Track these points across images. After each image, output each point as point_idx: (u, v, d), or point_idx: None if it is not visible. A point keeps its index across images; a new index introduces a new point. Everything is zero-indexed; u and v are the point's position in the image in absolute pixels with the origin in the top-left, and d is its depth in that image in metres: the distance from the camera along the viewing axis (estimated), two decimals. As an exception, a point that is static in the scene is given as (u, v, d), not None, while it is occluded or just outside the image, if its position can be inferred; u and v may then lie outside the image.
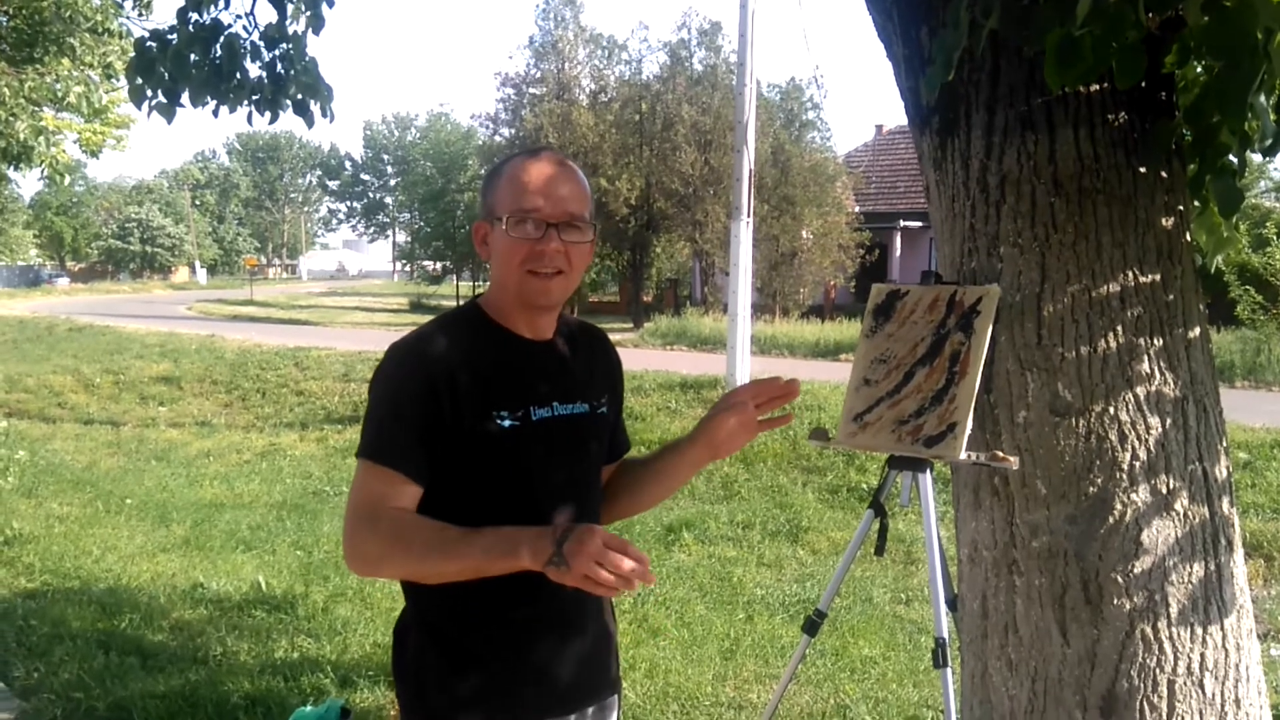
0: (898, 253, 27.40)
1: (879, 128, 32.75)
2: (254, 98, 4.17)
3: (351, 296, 46.99)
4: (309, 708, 3.14)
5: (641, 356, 15.86)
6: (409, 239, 53.59)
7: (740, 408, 1.82)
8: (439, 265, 43.19)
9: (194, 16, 3.91)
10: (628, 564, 1.36)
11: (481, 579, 1.62)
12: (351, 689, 4.09)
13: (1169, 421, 2.24)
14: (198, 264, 67.85)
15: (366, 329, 24.83)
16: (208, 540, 6.88)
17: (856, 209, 26.48)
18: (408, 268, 58.74)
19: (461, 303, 1.84)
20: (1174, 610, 2.22)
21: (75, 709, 3.87)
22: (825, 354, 17.27)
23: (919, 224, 25.43)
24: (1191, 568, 2.24)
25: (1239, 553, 2.35)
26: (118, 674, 4.21)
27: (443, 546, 1.54)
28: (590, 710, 1.82)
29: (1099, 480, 2.23)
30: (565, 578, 1.40)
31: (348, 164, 72.93)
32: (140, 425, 12.89)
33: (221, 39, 3.97)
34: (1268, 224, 13.88)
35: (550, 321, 1.77)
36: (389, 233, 74.19)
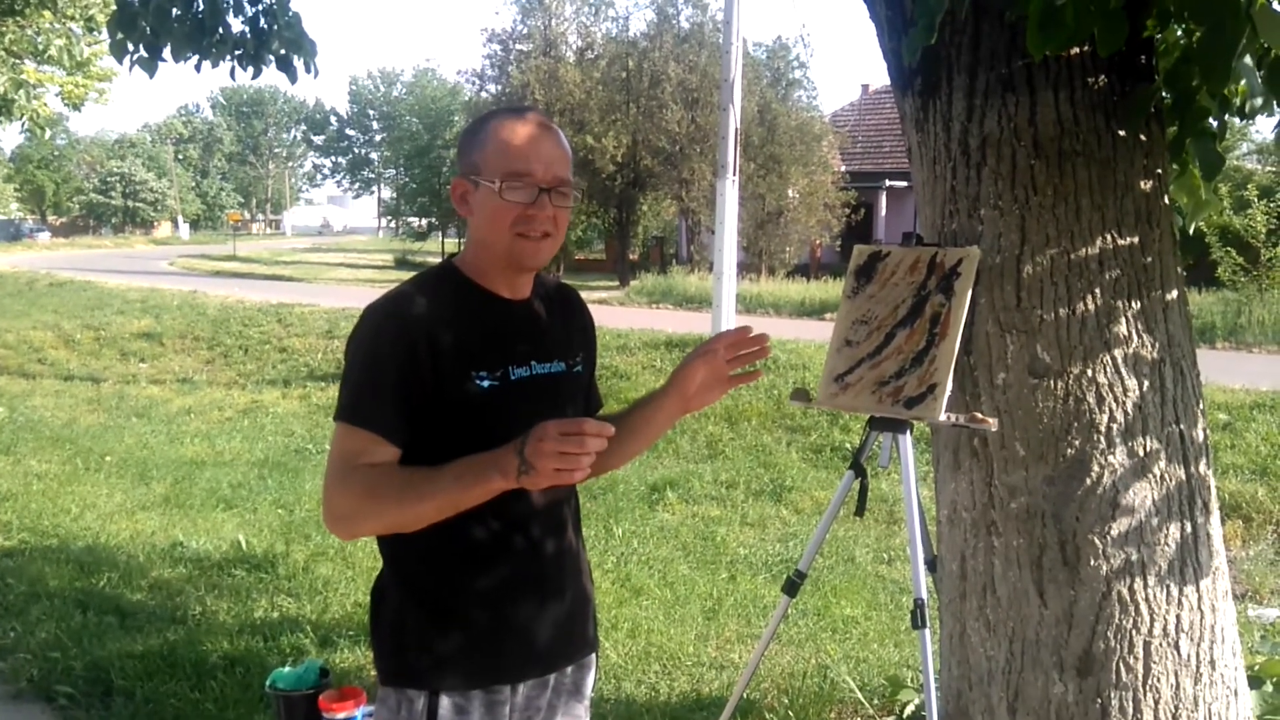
0: (883, 212, 27.36)
1: (865, 87, 32.57)
2: (236, 52, 4.13)
3: (336, 253, 46.67)
4: (287, 668, 3.14)
5: (627, 315, 15.83)
6: (394, 195, 53.18)
7: (710, 356, 1.80)
8: (424, 222, 42.89)
9: (176, -30, 3.85)
10: (589, 442, 1.40)
11: (459, 537, 1.65)
12: (331, 649, 4.10)
13: (1146, 384, 2.24)
14: (180, 219, 67.17)
15: (351, 285, 24.67)
16: (188, 498, 6.85)
17: (842, 168, 26.36)
18: (393, 224, 58.34)
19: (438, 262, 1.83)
20: (1150, 572, 2.23)
21: (52, 668, 3.86)
22: (810, 313, 17.26)
23: (904, 184, 25.34)
24: (1168, 529, 2.25)
25: (1215, 515, 2.36)
26: (95, 633, 4.20)
27: (415, 488, 1.55)
28: (569, 669, 1.83)
29: (1077, 442, 2.24)
30: (538, 481, 1.44)
31: (333, 119, 71.98)
32: (121, 382, 12.80)
33: (204, -7, 3.91)
34: (1249, 186, 13.90)
35: (528, 281, 1.77)
36: (374, 189, 73.47)
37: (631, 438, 1.89)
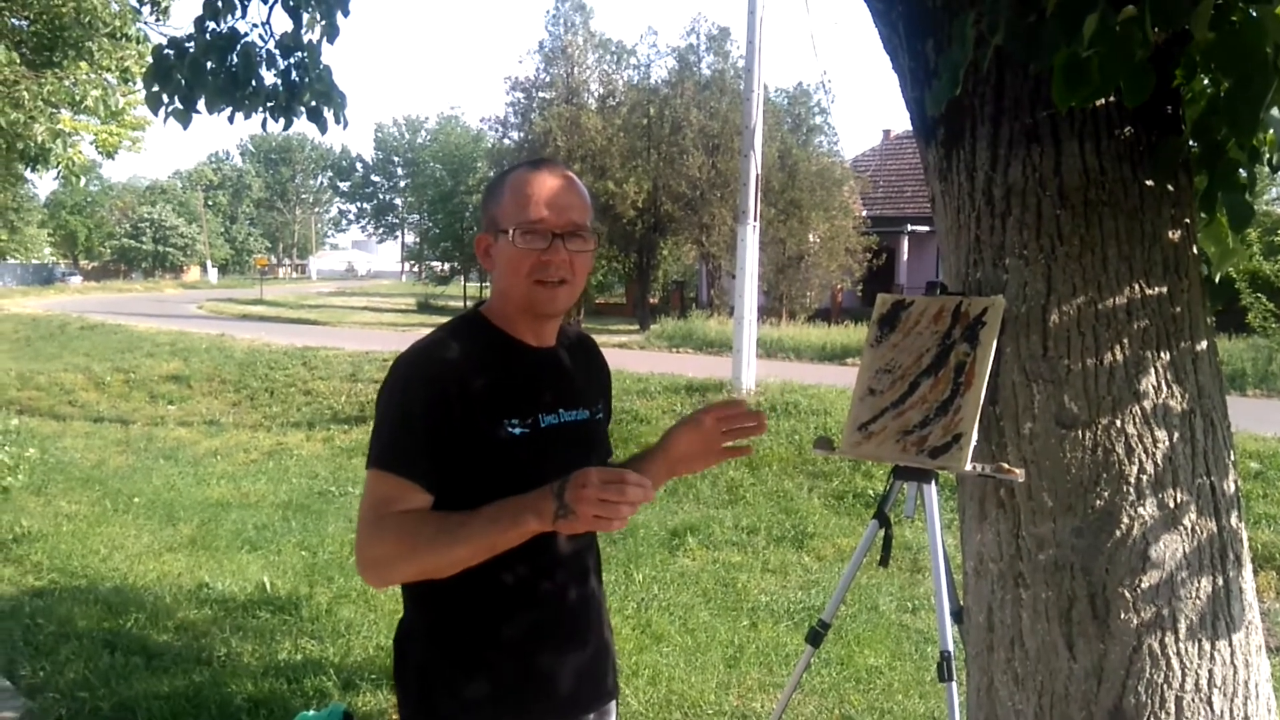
0: (905, 257, 27.38)
1: (886, 132, 32.76)
2: (269, 104, 4.21)
3: (360, 296, 47.10)
4: (311, 712, 3.14)
5: (647, 359, 15.84)
6: (418, 240, 53.81)
7: (695, 425, 1.84)
8: (447, 266, 43.30)
9: (211, 25, 3.97)
10: (631, 491, 1.41)
11: (486, 584, 1.65)
12: (354, 692, 4.09)
13: (1176, 435, 2.22)
14: (209, 263, 68.18)
15: (374, 329, 24.86)
16: (214, 540, 6.89)
17: (863, 213, 26.47)
18: (416, 268, 58.89)
19: (466, 307, 1.86)
20: (1182, 626, 2.20)
21: (80, 708, 3.88)
22: (831, 358, 17.24)
23: (926, 228, 25.40)
24: (1199, 583, 2.22)
25: (1248, 568, 2.33)
26: (123, 674, 4.22)
27: (449, 531, 1.55)
28: (591, 716, 1.84)
29: (1105, 493, 2.22)
30: (576, 525, 1.45)
31: (358, 165, 73.16)
32: (149, 424, 12.92)
33: (238, 47, 4.02)
34: (1279, 232, 13.79)
35: (553, 329, 1.80)
36: (398, 234, 74.40)
37: None
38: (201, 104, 4.03)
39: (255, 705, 3.89)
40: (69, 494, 8.50)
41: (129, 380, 15.77)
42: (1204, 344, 2.30)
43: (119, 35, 10.44)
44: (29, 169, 11.42)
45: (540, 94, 27.29)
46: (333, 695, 4.04)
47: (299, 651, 4.60)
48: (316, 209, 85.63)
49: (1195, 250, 2.33)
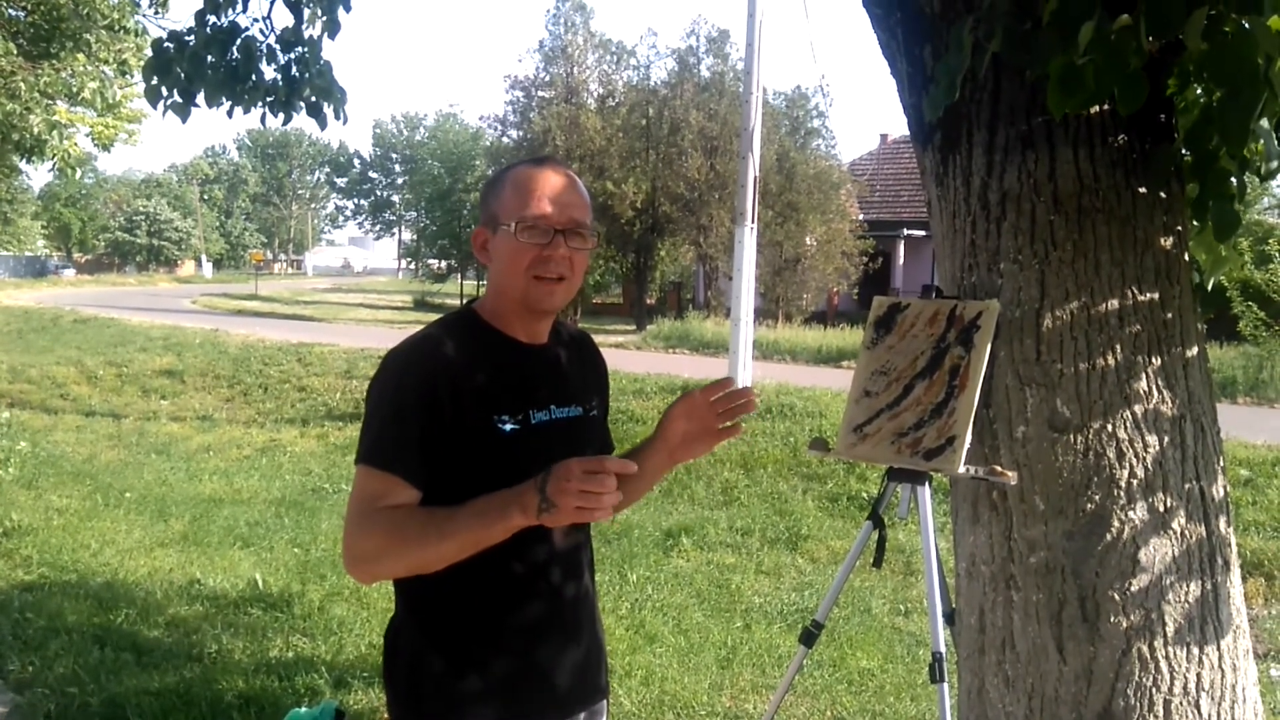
0: (901, 261, 27.42)
1: (884, 136, 32.82)
2: (268, 99, 4.21)
3: (356, 293, 47.06)
4: (304, 709, 3.15)
5: (643, 359, 15.87)
6: (415, 237, 53.82)
7: (689, 405, 1.84)
8: (444, 264, 43.30)
9: (212, 19, 3.96)
10: (610, 481, 1.41)
11: (480, 580, 1.66)
12: (346, 690, 4.09)
13: (1166, 440, 2.24)
14: (204, 258, 68.09)
15: (370, 326, 24.83)
16: (206, 536, 6.88)
17: (860, 216, 26.52)
18: (413, 265, 58.91)
19: (460, 304, 1.86)
20: (1170, 629, 2.22)
21: (69, 704, 3.87)
22: (827, 360, 17.26)
23: (922, 233, 25.43)
24: (1188, 587, 2.24)
25: (1236, 573, 2.35)
26: (112, 669, 4.21)
27: (435, 526, 1.56)
28: (582, 715, 1.84)
29: (1097, 497, 2.23)
30: (560, 518, 1.45)
31: (356, 162, 73.07)
32: (141, 418, 12.89)
33: (238, 41, 4.02)
34: (1270, 240, 13.83)
35: (546, 327, 1.80)
36: (395, 230, 74.34)
37: (622, 487, 1.92)
38: (201, 98, 4.03)
39: (246, 702, 3.89)
40: (60, 488, 8.48)
41: (121, 375, 15.74)
42: (1194, 350, 2.32)
43: (117, 28, 10.45)
44: (24, 160, 11.42)
45: (540, 93, 27.31)
46: (324, 693, 4.04)
47: (291, 649, 4.60)
48: (313, 205, 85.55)
49: (1187, 257, 2.35)
